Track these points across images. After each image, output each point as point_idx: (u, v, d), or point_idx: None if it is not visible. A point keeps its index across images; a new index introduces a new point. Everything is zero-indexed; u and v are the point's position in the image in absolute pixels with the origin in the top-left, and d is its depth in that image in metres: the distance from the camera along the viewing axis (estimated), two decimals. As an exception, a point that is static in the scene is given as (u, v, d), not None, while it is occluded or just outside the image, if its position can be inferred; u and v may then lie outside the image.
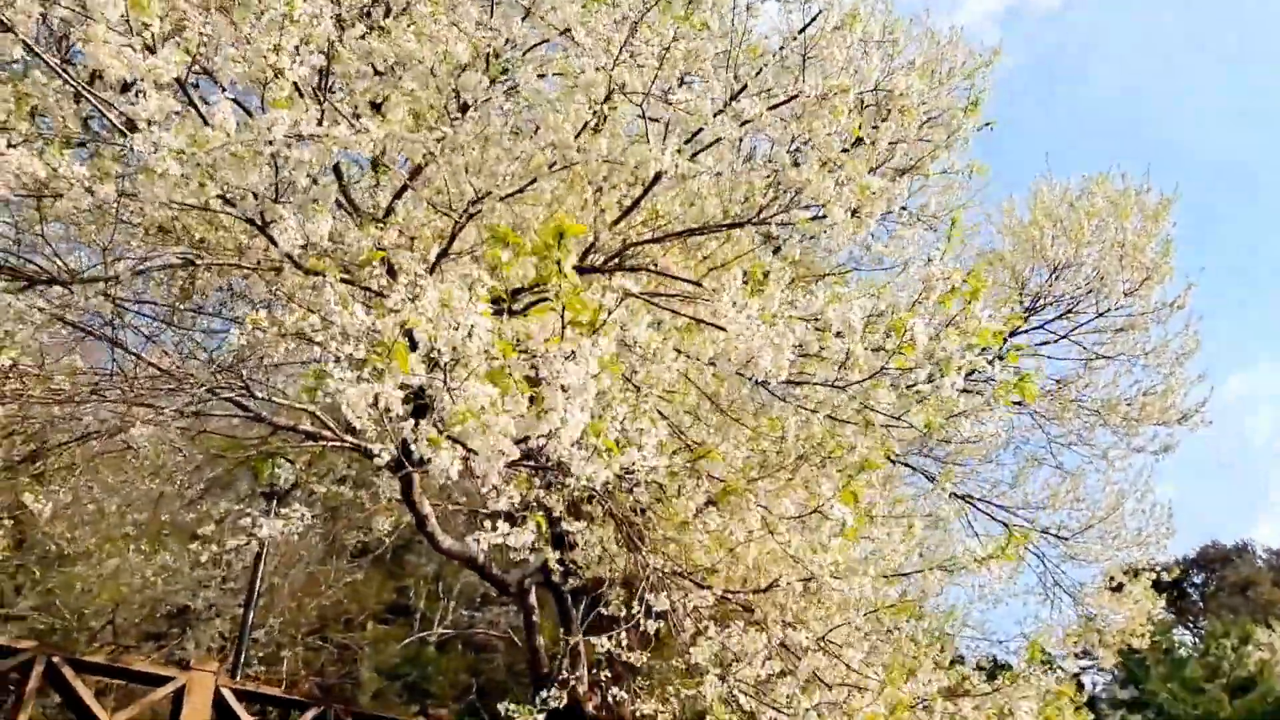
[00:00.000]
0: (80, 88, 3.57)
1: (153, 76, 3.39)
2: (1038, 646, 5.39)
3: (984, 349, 3.92)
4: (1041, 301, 10.61)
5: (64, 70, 3.63)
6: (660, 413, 4.98)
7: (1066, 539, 11.43)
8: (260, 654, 19.92)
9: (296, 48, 3.18)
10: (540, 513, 5.13)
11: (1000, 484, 11.46)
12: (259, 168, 3.32)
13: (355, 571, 20.22)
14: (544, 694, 7.21)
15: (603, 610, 6.64)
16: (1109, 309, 10.77)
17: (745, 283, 4.15)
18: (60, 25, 3.89)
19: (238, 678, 9.61)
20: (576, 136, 4.30)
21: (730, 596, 5.33)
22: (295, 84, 3.36)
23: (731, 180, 5.34)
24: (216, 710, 7.22)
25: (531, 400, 2.81)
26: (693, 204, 5.49)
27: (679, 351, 4.05)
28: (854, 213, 5.26)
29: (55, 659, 6.58)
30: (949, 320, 3.93)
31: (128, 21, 3.46)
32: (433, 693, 22.88)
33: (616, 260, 5.98)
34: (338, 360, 3.26)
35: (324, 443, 7.59)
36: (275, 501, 10.13)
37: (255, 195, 3.57)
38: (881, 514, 5.59)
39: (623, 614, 6.25)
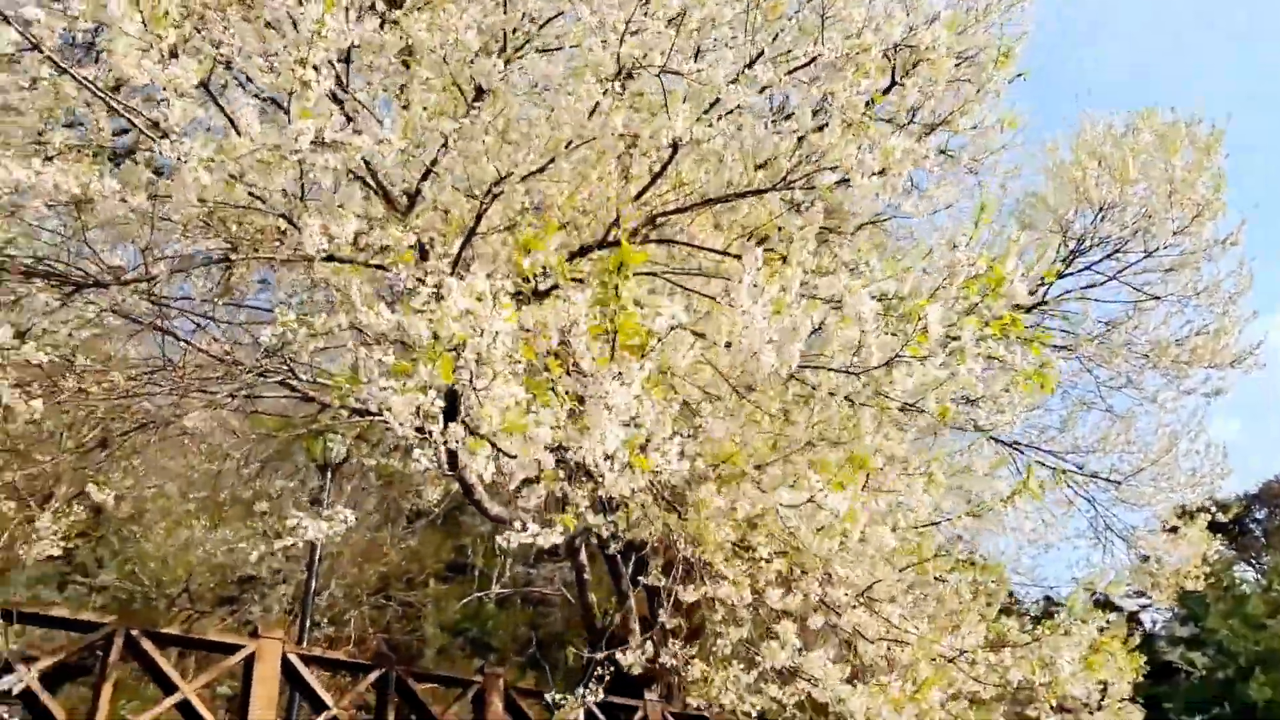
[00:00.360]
0: (105, 96, 3.69)
1: (173, 86, 3.49)
2: (1080, 596, 5.38)
3: (1003, 336, 3.86)
4: (1087, 243, 10.34)
5: (91, 81, 3.75)
6: (685, 402, 5.03)
7: (1118, 483, 11.27)
8: (328, 615, 20.82)
9: (320, 61, 3.23)
10: (570, 515, 5.23)
11: (1049, 429, 11.32)
12: (284, 171, 3.41)
13: (411, 536, 20.86)
14: (599, 656, 7.43)
15: (642, 580, 6.78)
16: (1158, 248, 10.45)
17: (766, 264, 4.13)
18: (84, 35, 4.00)
19: (304, 643, 10.07)
20: (590, 115, 4.31)
21: (766, 563, 5.42)
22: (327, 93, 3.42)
23: (755, 143, 5.29)
24: (285, 673, 7.58)
25: (571, 413, 2.89)
26: (717, 171, 5.47)
27: (698, 335, 4.07)
28: (881, 172, 5.20)
29: (134, 631, 6.94)
30: (970, 308, 3.88)
31: (146, 28, 3.55)
32: (495, 646, 23.61)
33: (647, 231, 6.00)
34: (367, 359, 3.37)
35: (371, 418, 7.83)
36: (330, 474, 10.49)
37: (284, 193, 3.67)
38: (918, 467, 5.58)
39: (662, 584, 6.40)
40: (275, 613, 15.48)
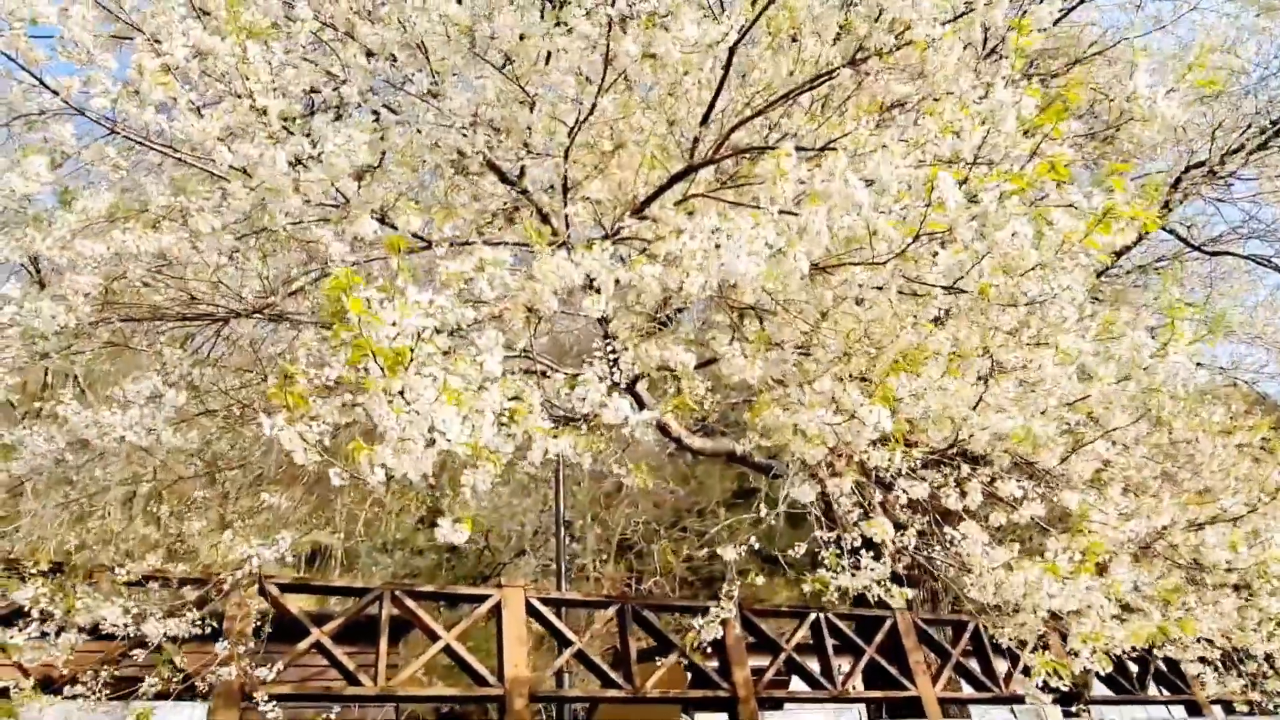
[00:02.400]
0: (181, 157, 4.25)
1: (206, 136, 3.93)
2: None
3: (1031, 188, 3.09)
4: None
5: (169, 148, 4.34)
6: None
7: None
8: (633, 550, 22.65)
9: (262, 88, 3.46)
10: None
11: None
12: (295, 193, 3.71)
13: (693, 471, 22.07)
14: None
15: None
16: None
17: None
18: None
19: (562, 587, 11.03)
20: (607, 56, 4.15)
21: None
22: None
23: (817, 21, 4.77)
24: (532, 616, 8.38)
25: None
26: (785, 64, 5.01)
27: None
28: (957, 18, 4.45)
29: (397, 593, 8.03)
30: (1030, 156, 3.16)
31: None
32: (791, 563, 24.30)
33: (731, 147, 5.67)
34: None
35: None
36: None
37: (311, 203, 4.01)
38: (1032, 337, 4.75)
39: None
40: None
